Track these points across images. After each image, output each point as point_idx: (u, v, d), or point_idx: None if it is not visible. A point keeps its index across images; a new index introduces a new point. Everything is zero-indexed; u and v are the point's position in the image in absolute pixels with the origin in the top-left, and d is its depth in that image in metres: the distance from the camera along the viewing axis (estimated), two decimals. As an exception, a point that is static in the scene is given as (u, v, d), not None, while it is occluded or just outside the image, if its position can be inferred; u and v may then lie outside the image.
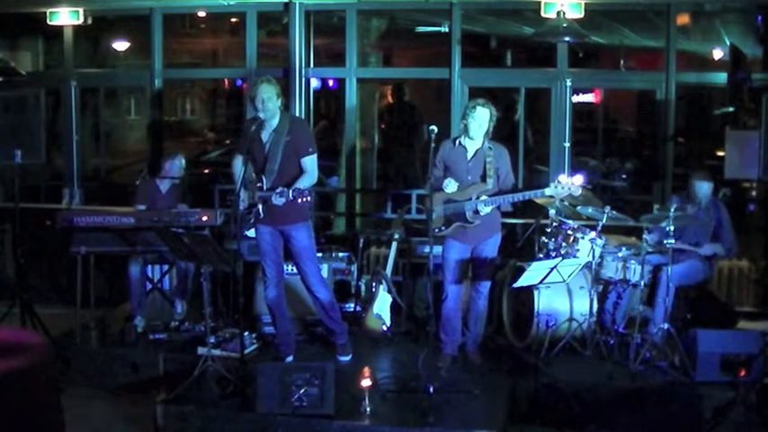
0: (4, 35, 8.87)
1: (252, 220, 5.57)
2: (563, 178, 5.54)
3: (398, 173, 9.55)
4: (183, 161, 6.96)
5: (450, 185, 5.58)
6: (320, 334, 6.20)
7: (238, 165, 5.54)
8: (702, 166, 6.73)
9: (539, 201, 6.02)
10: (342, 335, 5.89)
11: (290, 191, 5.18)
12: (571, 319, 5.88)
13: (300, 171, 5.47)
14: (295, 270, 5.88)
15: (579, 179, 5.55)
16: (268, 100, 5.37)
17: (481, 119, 5.52)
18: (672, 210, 5.64)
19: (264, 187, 5.40)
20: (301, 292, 6.10)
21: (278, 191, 5.22)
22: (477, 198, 5.57)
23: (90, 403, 5.66)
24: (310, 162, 5.49)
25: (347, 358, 5.87)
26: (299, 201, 5.19)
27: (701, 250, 6.05)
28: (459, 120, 5.77)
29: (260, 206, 5.45)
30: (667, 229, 5.63)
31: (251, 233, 6.80)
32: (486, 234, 5.70)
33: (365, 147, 9.03)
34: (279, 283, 5.73)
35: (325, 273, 6.44)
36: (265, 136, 5.50)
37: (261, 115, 5.40)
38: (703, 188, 6.15)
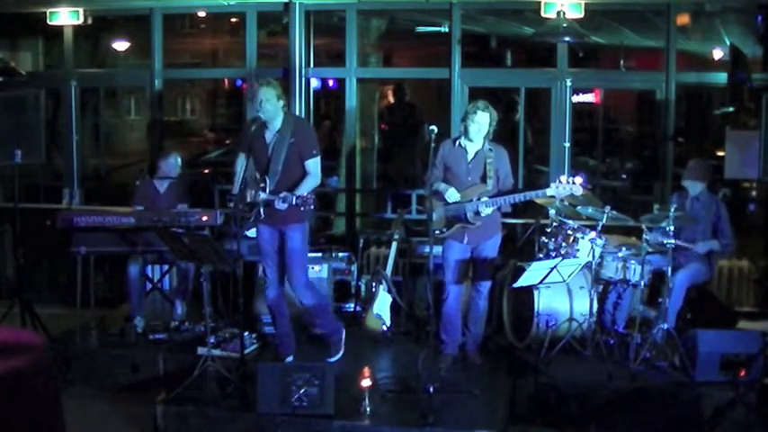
0: (4, 35, 8.86)
1: (252, 219, 5.57)
2: (564, 179, 5.56)
3: (400, 173, 9.54)
4: (179, 159, 6.91)
5: (453, 195, 5.59)
6: (320, 334, 6.19)
7: (240, 163, 5.55)
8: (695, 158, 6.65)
9: (539, 201, 6.03)
10: (331, 336, 5.83)
11: (294, 197, 5.20)
12: (571, 319, 5.88)
13: (304, 173, 5.48)
14: None
15: (580, 180, 5.57)
16: (266, 102, 5.38)
17: (481, 123, 5.54)
18: (672, 209, 5.64)
19: (268, 188, 5.40)
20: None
21: (281, 196, 5.24)
22: (478, 199, 5.58)
23: (90, 403, 5.66)
24: (314, 164, 5.50)
25: (333, 359, 5.81)
26: (302, 208, 5.20)
27: (696, 248, 6.04)
28: (460, 121, 5.77)
29: (261, 210, 5.45)
30: (667, 228, 5.64)
31: (251, 233, 6.81)
32: (486, 234, 5.71)
33: (365, 147, 9.03)
34: (279, 283, 5.72)
35: (325, 273, 6.45)
36: (269, 137, 5.51)
37: (262, 115, 5.42)
38: (696, 188, 6.17)
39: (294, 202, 5.20)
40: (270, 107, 5.40)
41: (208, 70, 11.86)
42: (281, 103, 5.47)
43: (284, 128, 5.48)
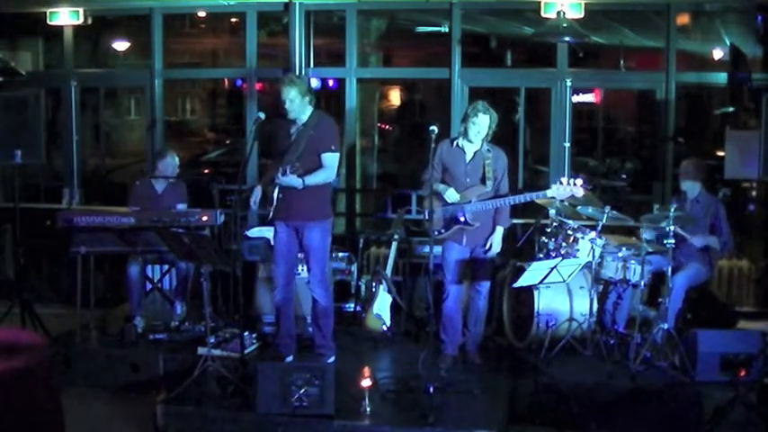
0: (4, 35, 8.87)
1: (270, 215, 5.60)
2: (565, 180, 5.56)
3: (413, 173, 9.53)
4: (176, 158, 6.84)
5: (452, 196, 5.60)
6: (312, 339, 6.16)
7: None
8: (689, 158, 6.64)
9: (539, 201, 6.03)
10: (322, 348, 5.80)
11: (288, 166, 5.28)
12: (571, 319, 5.88)
13: (320, 165, 5.50)
14: (299, 271, 5.94)
15: (580, 182, 5.57)
16: (290, 102, 5.45)
17: (481, 125, 5.55)
18: (672, 209, 5.65)
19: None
20: (301, 292, 6.11)
21: (282, 169, 5.33)
22: (478, 200, 5.59)
23: (90, 403, 5.66)
24: (330, 159, 5.52)
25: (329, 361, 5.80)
26: (294, 174, 5.32)
27: (693, 240, 6.02)
28: (461, 121, 5.77)
29: (275, 192, 5.49)
30: (667, 228, 5.64)
31: (251, 233, 6.82)
32: (484, 235, 5.71)
33: (365, 147, 9.04)
34: (287, 284, 5.72)
35: (325, 273, 6.44)
36: (293, 129, 5.56)
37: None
38: (695, 189, 6.18)
39: (288, 171, 5.30)
40: (294, 106, 5.46)
41: (208, 70, 11.87)
42: (308, 98, 5.50)
43: (309, 121, 5.53)
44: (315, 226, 5.58)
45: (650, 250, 5.88)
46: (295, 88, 5.44)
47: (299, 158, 5.45)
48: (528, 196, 5.69)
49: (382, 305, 6.31)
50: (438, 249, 5.82)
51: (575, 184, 5.53)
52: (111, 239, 6.30)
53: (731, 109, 7.87)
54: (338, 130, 5.74)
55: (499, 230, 5.72)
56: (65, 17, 8.23)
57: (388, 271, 6.45)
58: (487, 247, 5.70)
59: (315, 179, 5.45)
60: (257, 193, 5.63)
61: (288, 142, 5.55)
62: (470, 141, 5.63)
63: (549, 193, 5.59)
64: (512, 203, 5.67)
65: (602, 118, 11.13)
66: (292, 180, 5.37)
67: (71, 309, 6.58)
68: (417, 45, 10.75)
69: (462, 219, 5.61)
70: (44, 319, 6.50)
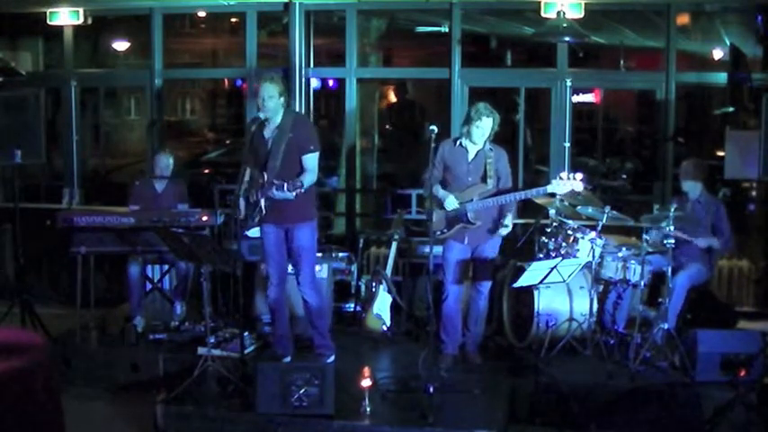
0: (4, 35, 8.87)
1: (257, 219, 5.54)
2: (564, 175, 5.56)
3: (412, 173, 9.53)
4: (171, 158, 6.84)
5: (451, 204, 5.60)
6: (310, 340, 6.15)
7: (242, 172, 5.53)
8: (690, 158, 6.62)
9: (539, 201, 6.03)
10: (322, 347, 5.78)
11: (284, 183, 5.15)
12: (571, 319, 5.88)
13: (302, 169, 5.47)
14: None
15: (580, 176, 5.57)
16: (269, 99, 5.37)
17: (485, 127, 5.56)
18: (672, 210, 5.65)
19: (265, 184, 5.39)
20: (297, 293, 6.11)
21: (276, 183, 5.21)
22: (480, 198, 5.59)
23: (90, 403, 5.66)
24: (310, 160, 5.48)
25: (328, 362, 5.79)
26: (296, 191, 5.16)
27: (696, 241, 6.03)
28: (463, 123, 5.75)
29: (262, 202, 5.44)
30: (667, 228, 5.64)
31: (252, 233, 6.80)
32: (486, 234, 5.71)
33: (365, 147, 9.03)
34: (280, 284, 5.71)
35: (324, 273, 6.43)
36: (268, 133, 5.50)
37: (261, 114, 5.42)
38: (696, 190, 6.18)
39: (285, 188, 5.15)
40: (272, 104, 5.39)
41: (208, 70, 11.85)
42: (283, 99, 5.46)
43: (284, 123, 5.46)
44: (304, 226, 5.56)
45: (650, 250, 5.88)
46: (277, 86, 5.39)
47: (282, 164, 5.39)
48: (528, 193, 5.69)
49: (382, 305, 6.31)
50: (438, 249, 5.82)
51: (574, 179, 5.53)
52: (111, 239, 6.31)
53: (731, 109, 7.86)
54: (316, 129, 5.69)
55: (509, 213, 5.68)
56: (65, 17, 8.24)
57: (388, 271, 6.45)
58: (505, 222, 5.62)
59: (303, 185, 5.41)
60: (242, 204, 5.55)
61: (264, 146, 5.47)
62: (474, 142, 5.64)
63: (550, 188, 5.59)
64: (513, 200, 5.66)
65: (602, 118, 11.12)
66: (288, 195, 5.26)
67: (71, 309, 6.58)
68: (417, 45, 10.74)
69: (464, 218, 5.61)
70: (44, 319, 6.50)
